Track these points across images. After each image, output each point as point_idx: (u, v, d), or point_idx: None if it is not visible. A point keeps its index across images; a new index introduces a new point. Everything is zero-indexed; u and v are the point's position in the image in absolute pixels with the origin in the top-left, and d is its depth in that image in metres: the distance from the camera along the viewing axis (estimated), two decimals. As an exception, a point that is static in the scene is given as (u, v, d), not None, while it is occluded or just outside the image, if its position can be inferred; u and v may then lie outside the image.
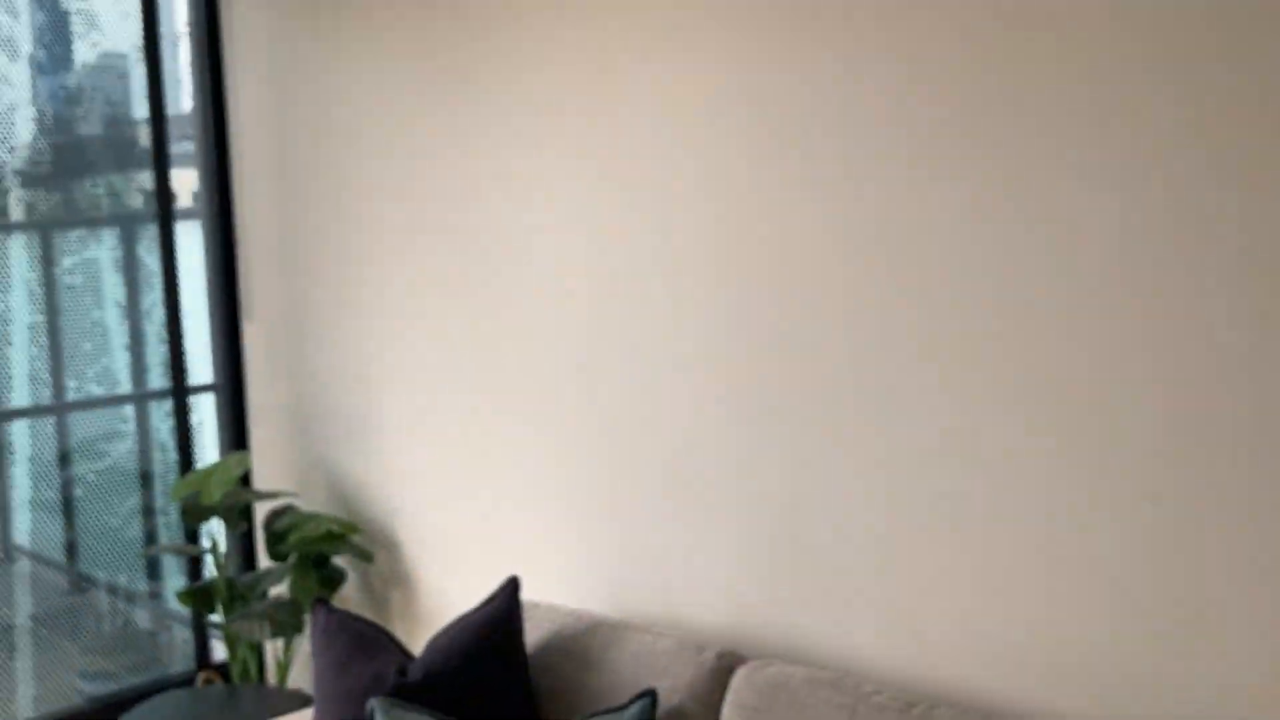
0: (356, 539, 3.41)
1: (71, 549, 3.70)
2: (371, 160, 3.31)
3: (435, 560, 3.29)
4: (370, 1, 3.23)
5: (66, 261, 3.54)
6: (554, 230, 2.82)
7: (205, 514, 3.30)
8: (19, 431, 3.52)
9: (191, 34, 3.75)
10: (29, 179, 3.39)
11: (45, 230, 3.49)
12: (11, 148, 3.34)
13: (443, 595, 3.27)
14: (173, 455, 3.77)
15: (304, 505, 3.64)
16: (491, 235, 2.98)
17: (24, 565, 3.63)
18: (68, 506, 3.66)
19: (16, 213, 3.38)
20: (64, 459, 3.62)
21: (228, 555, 3.39)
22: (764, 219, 2.40)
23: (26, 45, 3.36)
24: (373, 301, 3.38)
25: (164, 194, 3.65)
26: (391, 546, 3.42)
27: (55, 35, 3.43)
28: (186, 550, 3.48)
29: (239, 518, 3.40)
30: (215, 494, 3.19)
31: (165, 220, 3.66)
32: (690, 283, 2.54)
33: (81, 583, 3.74)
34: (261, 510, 3.65)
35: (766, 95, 2.36)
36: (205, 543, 3.43)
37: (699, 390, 2.55)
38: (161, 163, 3.63)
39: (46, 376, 3.54)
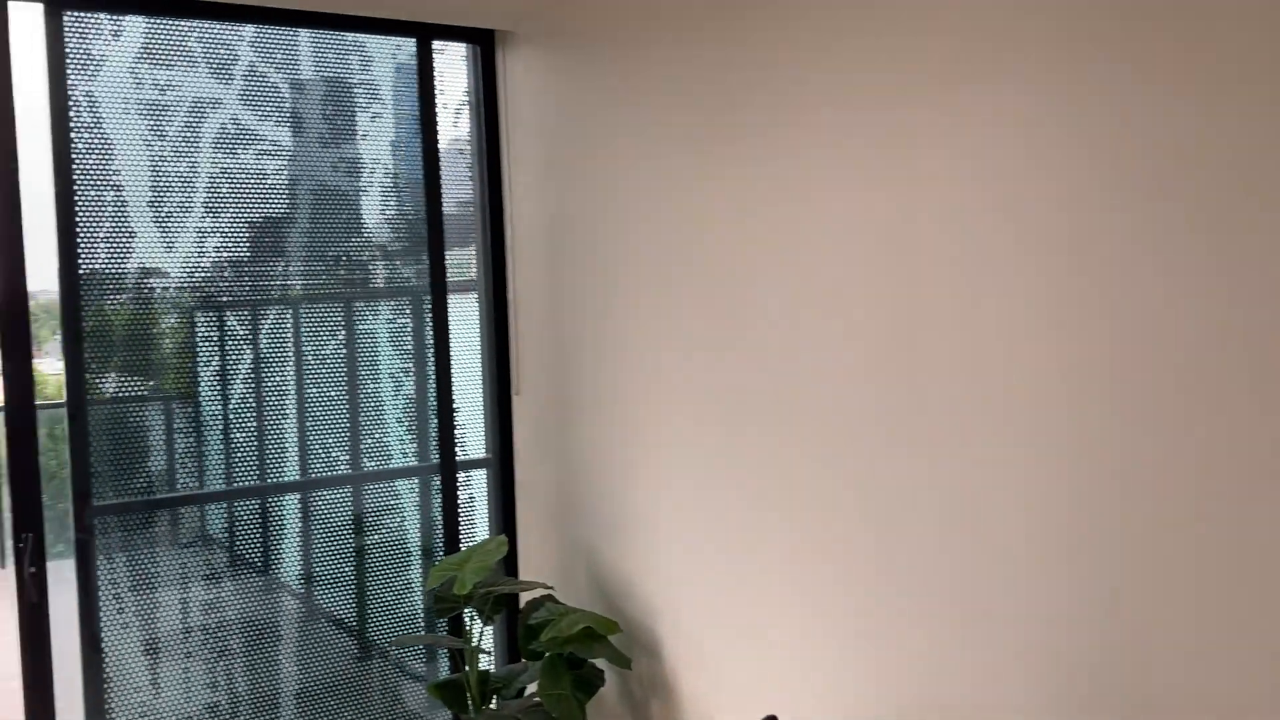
0: (615, 640, 3.09)
1: (361, 619, 3.62)
2: (637, 239, 3.04)
3: (697, 671, 2.91)
4: (639, 79, 2.98)
5: (343, 334, 3.51)
6: (832, 323, 2.40)
7: (457, 604, 3.10)
8: (292, 502, 3.50)
9: (470, 103, 3.67)
10: (305, 252, 3.38)
11: (335, 302, 3.47)
12: (291, 221, 3.35)
13: (705, 711, 2.88)
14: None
15: (564, 597, 3.38)
16: (762, 325, 2.60)
17: (319, 629, 3.57)
18: (350, 577, 3.59)
19: (295, 286, 3.38)
20: (341, 530, 3.56)
21: (479, 648, 3.16)
22: (1081, 317, 1.87)
23: (310, 118, 3.37)
24: (636, 385, 3.09)
25: (438, 267, 3.55)
26: (652, 651, 3.07)
27: (337, 107, 3.42)
28: (439, 642, 3.28)
29: (495, 607, 3.17)
30: (468, 583, 2.97)
31: (439, 293, 3.56)
32: (987, 387, 2.04)
33: (370, 652, 3.64)
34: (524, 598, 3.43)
35: (1059, 166, 1.85)
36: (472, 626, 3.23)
37: (999, 512, 2.03)
38: (436, 234, 3.54)
39: (319, 449, 3.50)
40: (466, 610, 3.22)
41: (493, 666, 3.71)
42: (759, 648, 2.68)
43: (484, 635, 3.22)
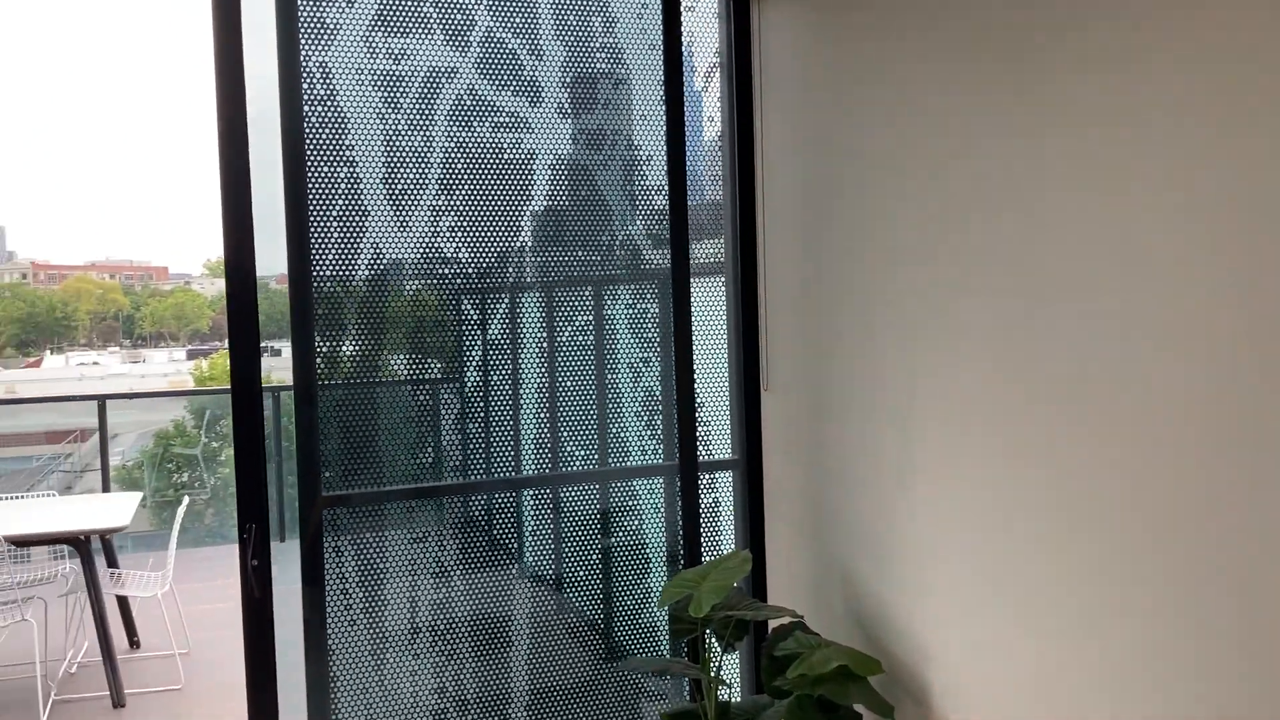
0: (875, 682, 2.65)
1: (601, 628, 3.35)
2: (907, 216, 2.58)
3: (975, 729, 2.43)
4: (914, 33, 2.52)
5: (582, 320, 3.24)
6: (1156, 313, 1.86)
7: (694, 626, 2.75)
8: (528, 497, 3.27)
9: (720, 65, 3.31)
10: (544, 231, 3.13)
11: (573, 286, 3.21)
12: (528, 197, 3.10)
13: (984, 779, 2.40)
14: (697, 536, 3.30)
15: (816, 625, 2.97)
16: (1067, 314, 2.09)
17: (553, 635, 3.34)
18: (584, 581, 3.33)
19: (531, 268, 3.13)
20: (577, 531, 3.30)
21: (718, 679, 2.80)
22: None
23: (550, 87, 3.11)
24: (906, 382, 2.63)
25: (681, 248, 3.21)
26: (920, 698, 2.61)
27: (578, 75, 3.15)
28: (672, 668, 2.93)
29: (737, 632, 2.80)
30: (705, 605, 2.62)
31: (681, 276, 3.22)
32: None
33: (604, 664, 3.37)
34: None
35: None
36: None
37: None
38: (680, 213, 3.20)
39: (552, 442, 3.25)
40: (706, 631, 2.87)
41: (737, 696, 3.35)
42: (1051, 707, 2.17)
43: (724, 662, 2.86)
